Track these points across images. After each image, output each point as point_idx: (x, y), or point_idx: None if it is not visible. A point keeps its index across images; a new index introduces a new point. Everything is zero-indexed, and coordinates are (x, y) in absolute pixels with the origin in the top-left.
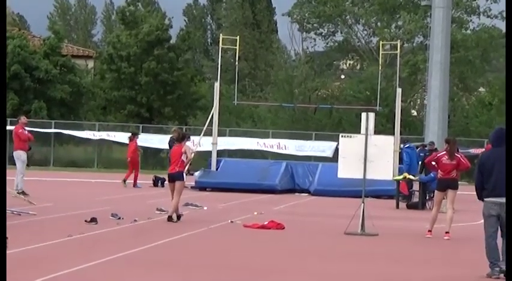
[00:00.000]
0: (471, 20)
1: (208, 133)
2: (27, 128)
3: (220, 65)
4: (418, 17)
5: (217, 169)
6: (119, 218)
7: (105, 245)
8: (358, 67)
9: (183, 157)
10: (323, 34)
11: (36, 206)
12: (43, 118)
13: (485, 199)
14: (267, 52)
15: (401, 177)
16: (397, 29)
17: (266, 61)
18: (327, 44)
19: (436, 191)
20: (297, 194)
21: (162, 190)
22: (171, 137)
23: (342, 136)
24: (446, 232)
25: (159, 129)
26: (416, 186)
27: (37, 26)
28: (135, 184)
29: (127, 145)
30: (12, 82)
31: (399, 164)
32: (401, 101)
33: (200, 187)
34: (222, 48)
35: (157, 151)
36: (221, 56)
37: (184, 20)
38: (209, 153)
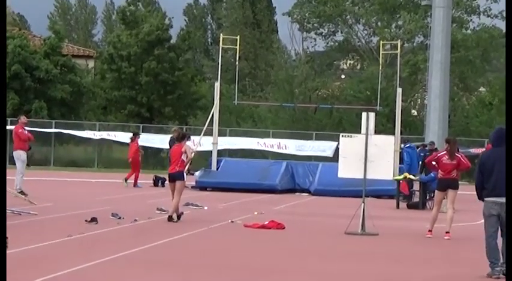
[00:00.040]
0: (471, 20)
1: (209, 133)
2: (27, 128)
3: (221, 65)
4: (419, 17)
5: (217, 169)
6: (119, 218)
7: (106, 245)
8: (358, 67)
9: (183, 157)
10: (323, 34)
11: (36, 206)
12: (43, 118)
13: (485, 199)
14: (267, 52)
15: (401, 177)
16: (398, 29)
17: (266, 61)
18: (327, 43)
19: (436, 191)
20: (297, 194)
21: (162, 189)
22: (171, 137)
23: (342, 136)
24: (447, 232)
25: (159, 129)
26: (416, 186)
27: (37, 26)
28: (135, 184)
29: (127, 144)
30: (13, 82)
31: (399, 164)
32: (402, 100)
33: (200, 186)
34: (222, 48)
35: (158, 150)
36: (221, 56)
37: (185, 20)
38: (209, 153)
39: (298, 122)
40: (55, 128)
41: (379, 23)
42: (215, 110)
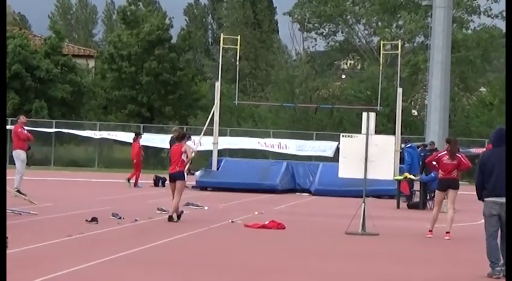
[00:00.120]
0: (472, 20)
1: (209, 133)
2: (26, 128)
3: (221, 65)
4: (419, 17)
5: (218, 169)
6: (120, 217)
7: (106, 244)
8: (359, 67)
9: (183, 156)
10: (324, 34)
11: (36, 206)
12: (44, 118)
13: (485, 199)
14: (267, 52)
15: (402, 177)
16: (398, 29)
17: (267, 61)
18: (328, 43)
19: (436, 191)
20: (297, 194)
21: (162, 189)
22: (171, 137)
23: (342, 136)
24: (447, 232)
25: (159, 129)
26: (417, 186)
27: (38, 26)
28: (136, 184)
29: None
30: (13, 82)
31: (400, 164)
32: (402, 101)
33: (201, 186)
34: (222, 47)
35: (158, 150)
36: (222, 56)
37: (185, 20)
38: (210, 153)
39: (299, 122)
40: (55, 127)
41: (379, 23)
42: (215, 109)
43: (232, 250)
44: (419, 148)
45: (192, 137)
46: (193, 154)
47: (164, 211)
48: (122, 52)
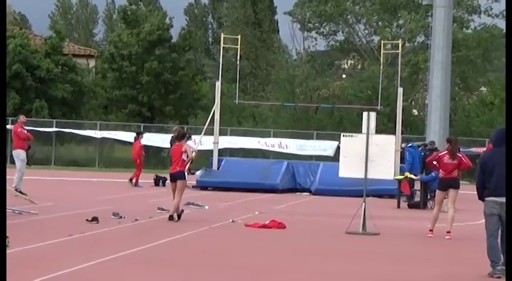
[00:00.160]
0: (472, 19)
1: (210, 132)
2: (26, 127)
3: (222, 64)
4: (419, 17)
5: (218, 168)
6: (120, 217)
7: (106, 244)
8: (359, 66)
9: (184, 156)
10: (324, 33)
11: (37, 205)
12: (44, 117)
13: (486, 199)
14: (268, 51)
15: (402, 176)
16: (398, 29)
17: (267, 60)
18: (328, 43)
19: (437, 191)
20: (298, 193)
21: (163, 189)
22: (172, 136)
23: (343, 135)
24: (448, 232)
25: (160, 129)
26: (417, 185)
27: (39, 25)
28: (136, 183)
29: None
30: (14, 81)
31: (400, 163)
32: (403, 100)
33: (201, 186)
34: (223, 47)
35: (159, 150)
36: (222, 55)
37: (186, 19)
38: (210, 152)
39: (299, 122)
40: (56, 127)
41: (380, 23)
42: (216, 109)
43: (233, 250)
44: (420, 148)
45: (193, 137)
46: (193, 153)
47: (165, 210)
48: (122, 52)
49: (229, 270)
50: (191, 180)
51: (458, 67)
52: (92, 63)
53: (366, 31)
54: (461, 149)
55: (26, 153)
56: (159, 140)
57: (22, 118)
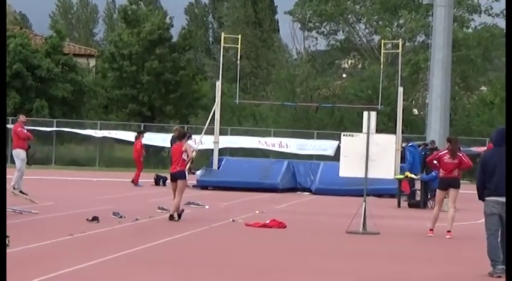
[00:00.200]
0: (472, 19)
1: (210, 132)
2: (27, 127)
3: (222, 64)
4: (420, 16)
5: (218, 168)
6: (121, 216)
7: (107, 243)
8: (359, 66)
9: (184, 156)
10: (325, 33)
11: (37, 205)
12: (45, 117)
13: (486, 198)
14: (268, 51)
15: (403, 176)
16: (399, 28)
17: (268, 60)
18: (329, 42)
19: (437, 190)
20: (298, 193)
21: (163, 188)
22: (172, 136)
23: (343, 135)
24: (448, 231)
25: (160, 128)
26: (418, 185)
27: (39, 25)
28: (136, 183)
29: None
30: (14, 81)
31: (401, 162)
32: (403, 99)
33: (202, 185)
34: (223, 47)
35: (159, 149)
36: (223, 55)
37: (186, 19)
38: (211, 152)
39: (300, 121)
40: (56, 127)
41: (380, 22)
42: (216, 108)
43: (233, 249)
44: (420, 147)
45: (193, 136)
46: (194, 153)
47: (165, 210)
48: (122, 51)
49: (230, 269)
50: (191, 179)
51: (458, 66)
52: (92, 62)
53: (367, 30)
54: (461, 149)
55: (26, 153)
56: (160, 139)
57: (22, 118)
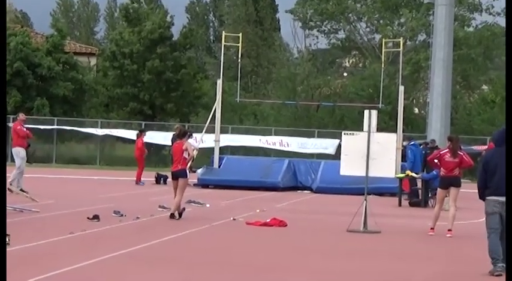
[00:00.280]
0: (473, 18)
1: (211, 130)
2: (27, 125)
3: (223, 62)
4: (421, 15)
5: (219, 166)
6: (121, 215)
7: (108, 242)
8: (360, 65)
9: (185, 154)
10: (325, 32)
11: (38, 203)
12: (45, 115)
13: (488, 197)
14: (269, 49)
15: (403, 175)
16: (400, 27)
17: (269, 58)
18: (330, 41)
19: (438, 189)
20: (299, 191)
21: (164, 187)
22: (173, 134)
23: (344, 134)
24: (449, 230)
25: (161, 127)
26: (419, 184)
27: (40, 24)
28: (137, 181)
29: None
30: (15, 79)
31: (402, 161)
32: (404, 98)
33: (203, 184)
34: (224, 45)
35: (160, 148)
36: (224, 54)
37: (187, 17)
38: (211, 150)
39: (301, 120)
40: (57, 125)
41: (381, 21)
42: (217, 107)
43: (234, 248)
44: (421, 146)
45: (194, 135)
46: (195, 151)
47: (166, 208)
48: (123, 50)
49: (231, 268)
50: (192, 178)
51: (459, 65)
52: (93, 61)
53: (368, 29)
54: (462, 147)
55: (25, 151)
56: (161, 138)
57: (22, 116)
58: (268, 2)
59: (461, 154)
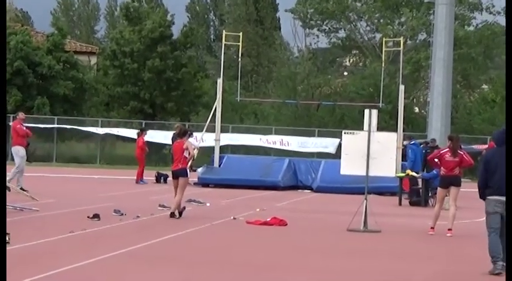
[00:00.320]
0: (474, 17)
1: (211, 129)
2: (28, 124)
3: (223, 62)
4: (421, 14)
5: (220, 166)
6: (122, 214)
7: (108, 241)
8: (361, 64)
9: (185, 153)
10: (326, 31)
11: (38, 202)
12: (46, 114)
13: (488, 197)
14: (270, 49)
15: (404, 174)
16: (400, 26)
17: (269, 58)
18: (330, 40)
19: (438, 188)
20: (299, 190)
21: (164, 186)
22: (174, 133)
23: (344, 133)
24: (449, 229)
25: (162, 126)
26: (419, 183)
27: (40, 22)
28: (138, 180)
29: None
30: (15, 78)
31: (402, 160)
32: (404, 98)
33: (203, 183)
34: (225, 44)
35: (160, 147)
36: (224, 53)
37: (187, 17)
38: (212, 149)
39: (301, 119)
40: (57, 124)
41: (381, 20)
42: (217, 106)
43: (234, 247)
44: (422, 145)
45: (194, 134)
46: (195, 150)
47: (166, 207)
48: (124, 49)
49: (231, 267)
50: (193, 177)
51: (459, 65)
52: (93, 60)
53: (368, 28)
54: (462, 147)
55: (25, 150)
56: (161, 137)
57: (21, 115)
58: (268, 1)
59: (462, 153)
